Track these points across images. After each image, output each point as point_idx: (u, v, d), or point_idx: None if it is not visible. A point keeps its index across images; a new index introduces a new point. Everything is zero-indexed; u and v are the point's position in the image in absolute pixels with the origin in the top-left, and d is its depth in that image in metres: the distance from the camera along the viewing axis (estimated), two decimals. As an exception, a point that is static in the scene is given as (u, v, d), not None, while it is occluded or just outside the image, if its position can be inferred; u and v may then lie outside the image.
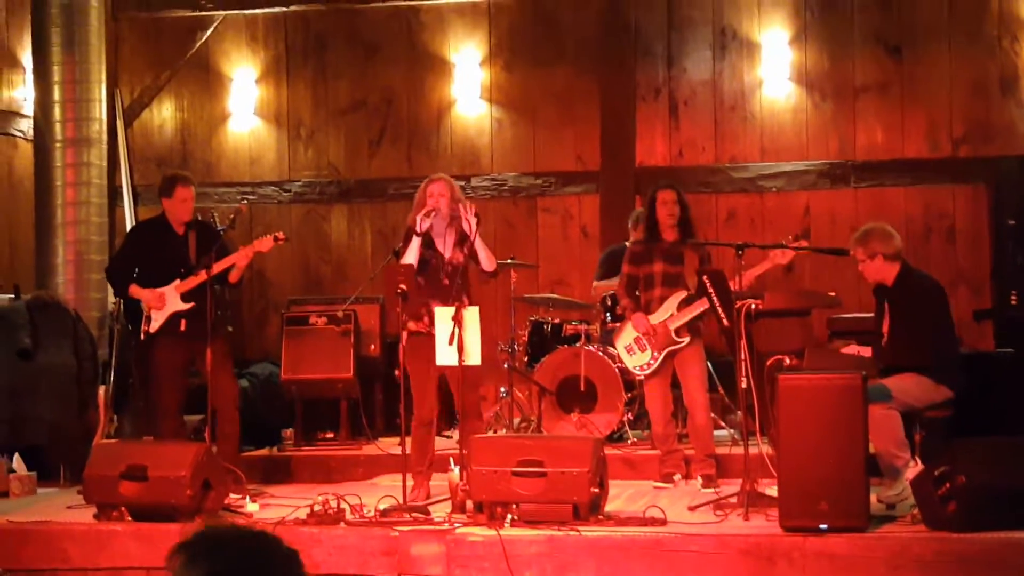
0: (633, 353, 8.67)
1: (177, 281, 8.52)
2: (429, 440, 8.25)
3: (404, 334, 7.90)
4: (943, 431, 7.69)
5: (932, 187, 11.08)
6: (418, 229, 8.09)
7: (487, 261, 8.18)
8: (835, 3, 11.25)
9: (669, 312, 8.53)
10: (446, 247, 8.19)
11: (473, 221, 8.03)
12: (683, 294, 8.52)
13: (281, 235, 8.60)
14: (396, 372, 8.86)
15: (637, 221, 10.01)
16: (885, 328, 7.68)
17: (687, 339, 8.50)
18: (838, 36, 11.26)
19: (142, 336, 8.60)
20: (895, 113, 11.16)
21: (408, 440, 7.94)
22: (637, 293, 8.70)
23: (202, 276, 8.32)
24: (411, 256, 8.09)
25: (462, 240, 8.18)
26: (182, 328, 8.51)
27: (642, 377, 8.75)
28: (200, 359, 8.41)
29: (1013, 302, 10.17)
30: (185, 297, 8.50)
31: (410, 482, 7.84)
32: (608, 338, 9.59)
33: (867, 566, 6.33)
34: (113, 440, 9.40)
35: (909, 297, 7.58)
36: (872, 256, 7.63)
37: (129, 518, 7.36)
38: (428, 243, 8.17)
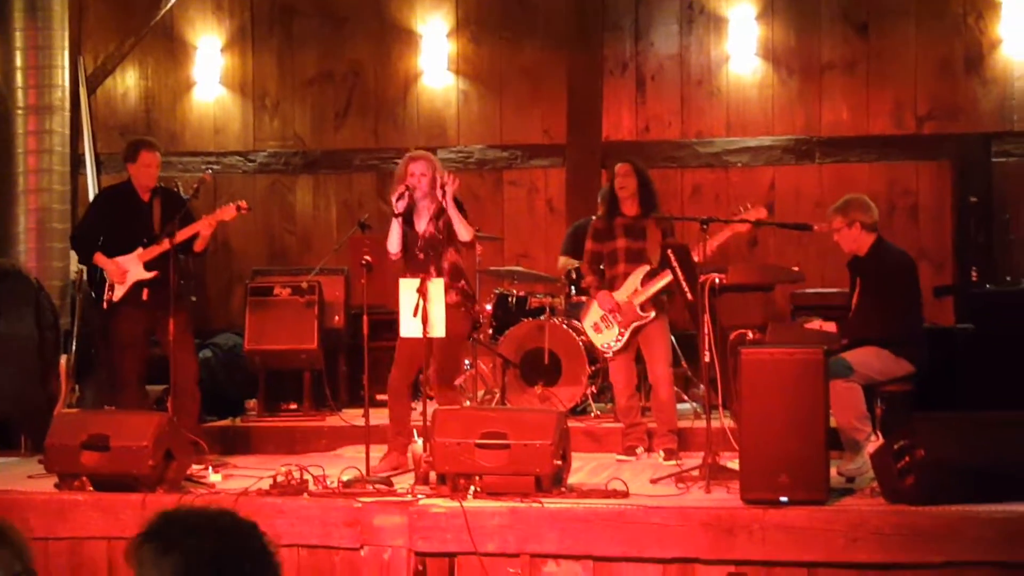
0: (600, 331, 8.68)
1: (140, 249, 8.49)
2: (405, 408, 8.22)
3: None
4: (904, 405, 7.75)
5: (896, 164, 11.14)
6: (396, 210, 8.06)
7: (462, 230, 8.04)
8: (802, -21, 11.30)
9: (633, 287, 8.55)
10: (421, 222, 8.16)
11: (448, 189, 7.96)
12: (646, 269, 8.54)
13: (244, 204, 8.55)
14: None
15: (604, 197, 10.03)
16: (855, 302, 7.73)
17: (652, 314, 8.52)
18: (805, 12, 11.29)
19: (104, 305, 8.57)
20: (860, 90, 11.21)
21: (372, 412, 7.92)
22: (602, 268, 8.71)
23: (165, 245, 8.28)
24: (394, 237, 8.05)
25: (438, 214, 8.14)
26: (144, 297, 8.49)
27: (610, 354, 8.76)
28: (162, 329, 8.39)
29: (974, 278, 10.25)
30: (148, 266, 8.46)
31: (376, 453, 7.84)
32: (573, 311, 9.62)
33: (826, 539, 6.37)
34: (75, 410, 9.35)
35: (880, 269, 7.63)
36: (851, 224, 7.66)
37: (90, 488, 7.31)
38: (407, 219, 8.13)
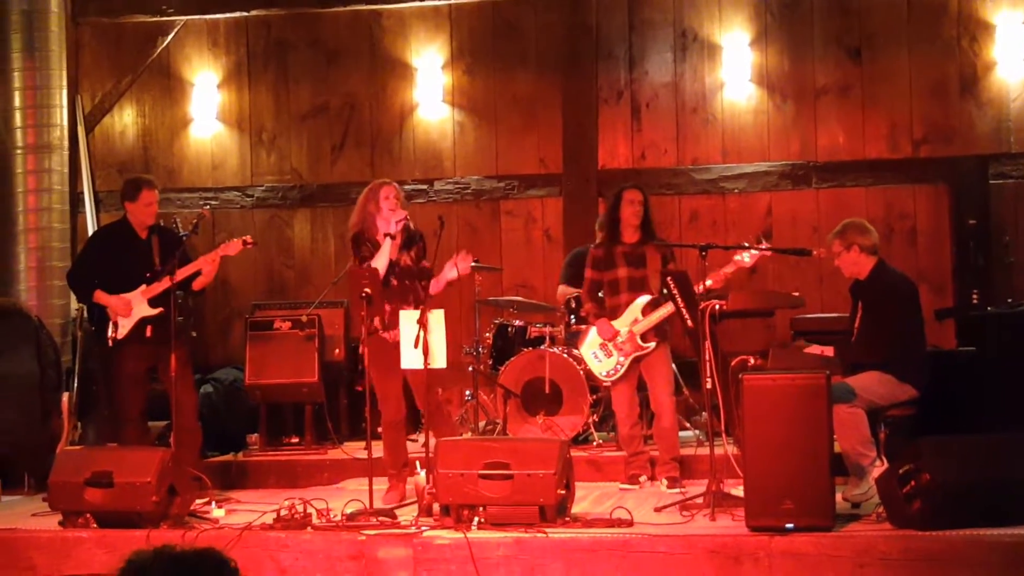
0: (599, 360, 8.65)
1: (143, 286, 8.48)
2: (400, 441, 8.29)
3: (365, 336, 7.97)
4: (907, 429, 7.74)
5: (893, 187, 11.15)
6: (392, 231, 8.10)
7: (435, 287, 8.26)
8: (795, 5, 11.30)
9: (633, 317, 8.52)
10: (393, 249, 8.21)
11: (455, 271, 8.17)
12: (647, 298, 8.51)
13: (249, 239, 8.59)
14: (358, 387, 9.03)
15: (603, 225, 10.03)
16: (857, 326, 7.72)
17: (653, 344, 8.48)
18: (798, 38, 11.31)
19: (110, 343, 8.54)
20: (856, 114, 11.22)
21: (374, 444, 7.93)
22: (601, 296, 8.70)
23: (166, 282, 8.28)
24: (383, 259, 8.09)
25: (407, 244, 8.23)
26: (148, 334, 8.48)
27: (608, 383, 8.75)
28: (163, 365, 8.38)
29: (975, 301, 10.25)
30: (153, 302, 8.46)
31: (379, 485, 7.83)
32: (572, 340, 9.60)
33: (833, 565, 6.36)
34: (77, 447, 9.34)
35: (880, 292, 7.63)
36: (849, 247, 7.67)
37: (95, 525, 7.33)
38: (375, 246, 8.18)
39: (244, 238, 8.55)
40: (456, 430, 8.73)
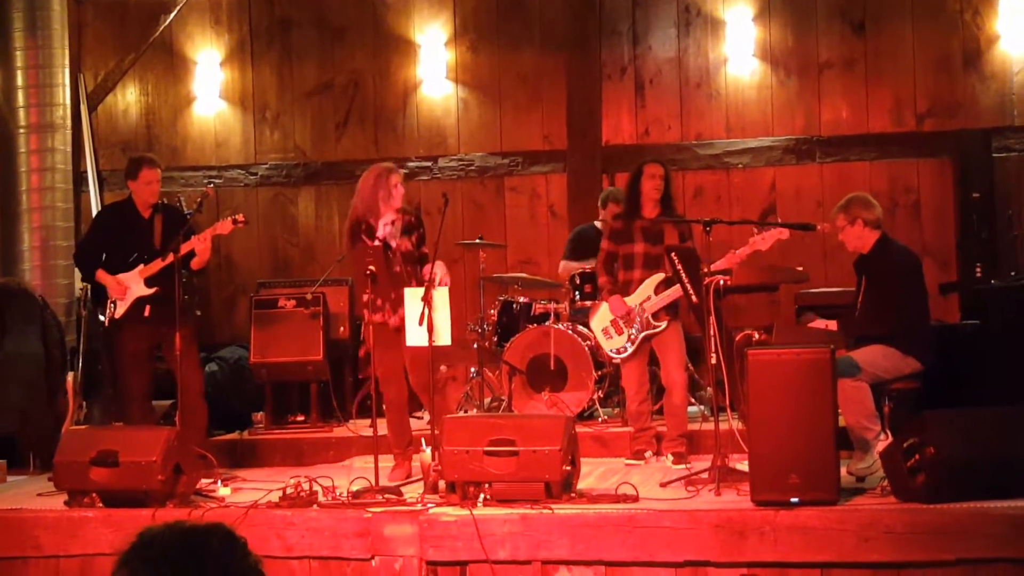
0: (610, 336, 8.61)
1: (141, 266, 8.48)
2: (404, 421, 8.31)
3: (366, 321, 7.96)
4: (912, 403, 7.74)
5: (897, 161, 11.14)
6: (380, 235, 8.07)
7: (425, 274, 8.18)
8: (798, -21, 11.30)
9: (646, 294, 8.48)
10: (392, 236, 8.17)
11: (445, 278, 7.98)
12: (660, 276, 8.45)
13: (240, 217, 8.50)
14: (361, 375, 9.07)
15: (607, 200, 10.02)
16: (860, 300, 7.72)
17: (665, 323, 8.43)
18: (802, 13, 11.29)
19: (106, 323, 8.57)
20: (859, 89, 11.20)
21: (379, 421, 7.94)
22: (616, 269, 8.63)
23: (169, 259, 8.25)
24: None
25: (407, 230, 8.20)
26: (146, 314, 8.47)
27: (618, 359, 8.71)
28: (167, 344, 8.38)
29: (978, 275, 10.24)
30: (149, 282, 8.45)
31: (384, 463, 7.85)
32: (577, 317, 9.60)
33: (838, 538, 6.37)
34: (83, 426, 9.34)
35: (883, 266, 7.62)
36: (852, 221, 7.66)
37: (100, 504, 7.33)
38: (371, 233, 8.15)
39: (235, 216, 8.49)
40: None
